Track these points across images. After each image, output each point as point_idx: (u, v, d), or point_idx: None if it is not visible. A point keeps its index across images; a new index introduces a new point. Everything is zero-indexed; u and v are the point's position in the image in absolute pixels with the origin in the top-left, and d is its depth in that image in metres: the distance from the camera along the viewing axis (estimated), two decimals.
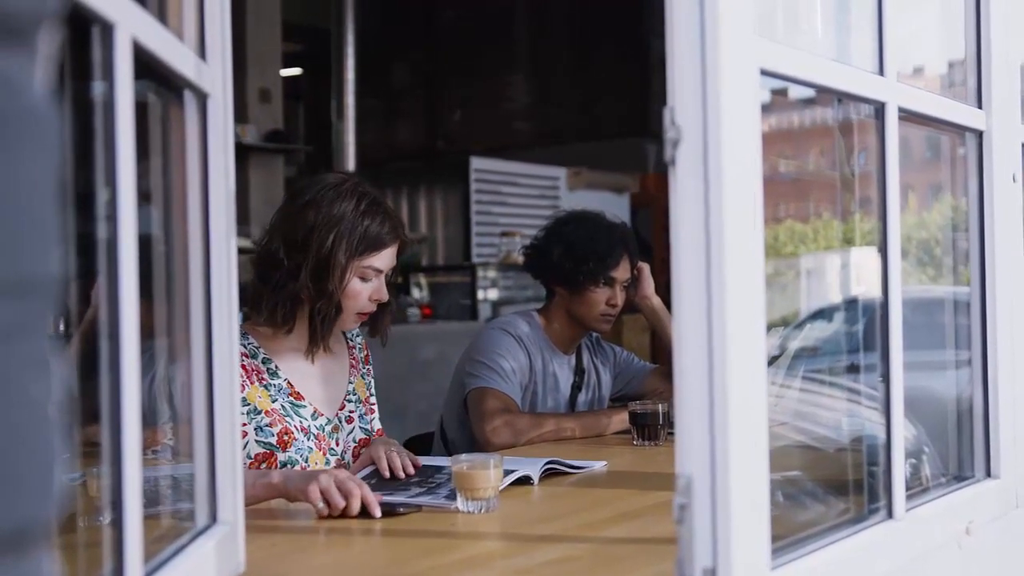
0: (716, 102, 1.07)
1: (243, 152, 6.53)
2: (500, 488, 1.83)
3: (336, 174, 2.25)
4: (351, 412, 2.24)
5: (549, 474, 2.10)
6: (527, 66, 9.06)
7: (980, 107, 1.74)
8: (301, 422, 2.12)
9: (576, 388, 2.90)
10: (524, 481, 2.02)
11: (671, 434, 2.46)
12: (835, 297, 2.06)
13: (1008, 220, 1.75)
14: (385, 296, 2.17)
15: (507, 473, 1.94)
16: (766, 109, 1.16)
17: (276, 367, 2.14)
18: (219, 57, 1.30)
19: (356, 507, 1.74)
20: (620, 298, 2.81)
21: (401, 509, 1.77)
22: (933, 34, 1.94)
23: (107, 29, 0.93)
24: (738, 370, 1.08)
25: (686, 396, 1.08)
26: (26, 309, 0.60)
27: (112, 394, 0.94)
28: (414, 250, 7.11)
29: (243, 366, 2.06)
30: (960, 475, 1.75)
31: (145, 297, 1.00)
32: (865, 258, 1.62)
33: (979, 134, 1.74)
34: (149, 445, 1.24)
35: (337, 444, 2.18)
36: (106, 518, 1.00)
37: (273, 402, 2.10)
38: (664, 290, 1.89)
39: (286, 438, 2.08)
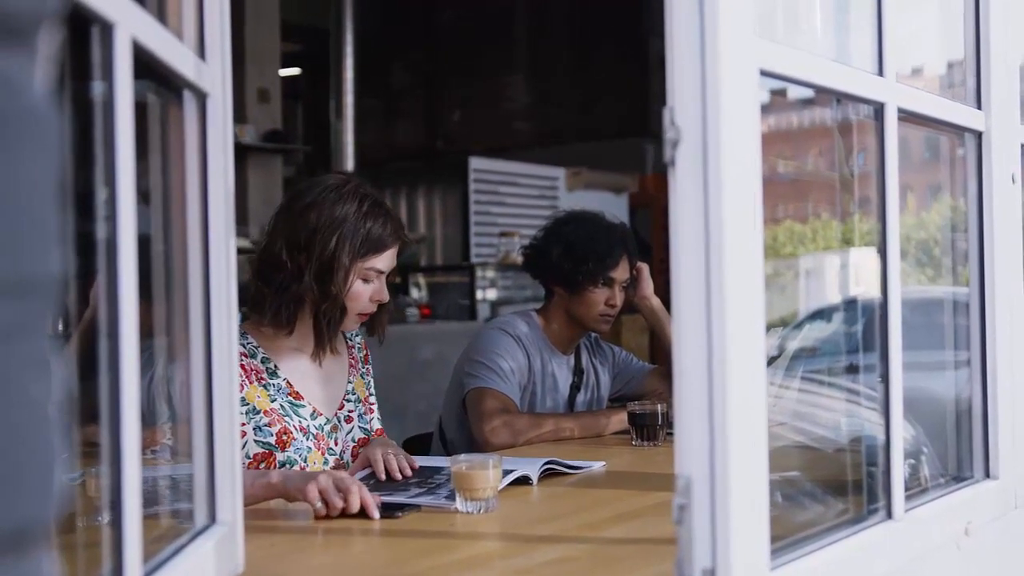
0: (716, 102, 1.07)
1: (242, 152, 6.52)
2: (499, 488, 1.83)
3: (336, 175, 2.25)
4: (350, 412, 2.24)
5: (548, 474, 2.10)
6: (527, 66, 9.06)
7: (979, 108, 1.74)
8: (300, 422, 2.12)
9: (575, 388, 2.90)
10: (523, 481, 2.02)
11: (670, 434, 2.46)
12: (834, 297, 2.06)
13: (1007, 221, 1.75)
14: (386, 297, 2.17)
15: (506, 473, 1.94)
16: (765, 109, 1.16)
17: (275, 367, 2.14)
18: (218, 57, 1.30)
19: (355, 507, 1.74)
20: (619, 298, 2.81)
21: (399, 514, 1.77)
22: (932, 34, 1.94)
23: (107, 29, 0.93)
24: (738, 370, 1.08)
25: (685, 396, 1.08)
26: (26, 309, 0.60)
27: (111, 394, 0.94)
28: (413, 250, 7.10)
29: (242, 366, 2.06)
30: (959, 476, 1.75)
31: (144, 297, 1.00)
32: (864, 259, 1.62)
33: (978, 135, 1.74)
34: (148, 445, 1.24)
35: (336, 444, 2.18)
36: (105, 518, 1.00)
37: (272, 402, 2.10)
38: (663, 290, 1.89)
39: (285, 438, 2.08)
